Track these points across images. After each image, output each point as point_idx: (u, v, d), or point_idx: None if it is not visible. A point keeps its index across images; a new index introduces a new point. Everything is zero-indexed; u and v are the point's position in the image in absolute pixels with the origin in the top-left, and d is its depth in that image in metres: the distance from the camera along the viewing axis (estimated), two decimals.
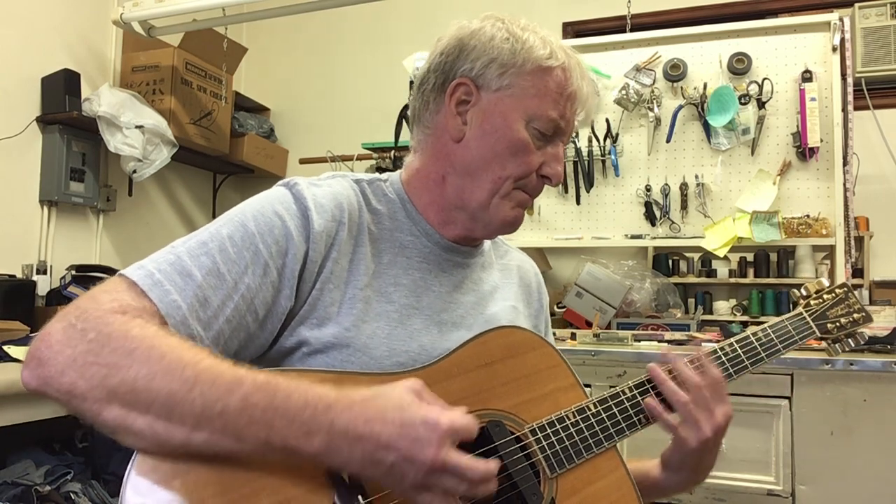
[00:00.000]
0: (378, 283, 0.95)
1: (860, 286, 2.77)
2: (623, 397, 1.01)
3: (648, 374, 1.04)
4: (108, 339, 0.73)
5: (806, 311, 1.19)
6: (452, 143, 0.99)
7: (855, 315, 1.21)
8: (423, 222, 1.02)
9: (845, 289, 1.23)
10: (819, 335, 1.18)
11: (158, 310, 0.78)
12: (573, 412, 0.97)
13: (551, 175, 0.99)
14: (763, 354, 1.11)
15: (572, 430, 0.95)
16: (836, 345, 1.21)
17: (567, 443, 0.94)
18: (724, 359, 1.09)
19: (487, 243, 1.13)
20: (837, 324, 1.19)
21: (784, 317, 1.17)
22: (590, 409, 0.98)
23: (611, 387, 1.02)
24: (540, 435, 0.93)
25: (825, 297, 1.22)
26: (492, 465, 0.77)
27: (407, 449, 0.72)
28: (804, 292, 1.22)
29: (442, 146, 1.00)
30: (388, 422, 0.73)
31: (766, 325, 1.15)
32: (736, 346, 1.11)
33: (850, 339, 1.21)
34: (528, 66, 0.96)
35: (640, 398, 1.02)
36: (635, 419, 1.00)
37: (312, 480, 0.77)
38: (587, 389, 1.03)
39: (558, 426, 0.95)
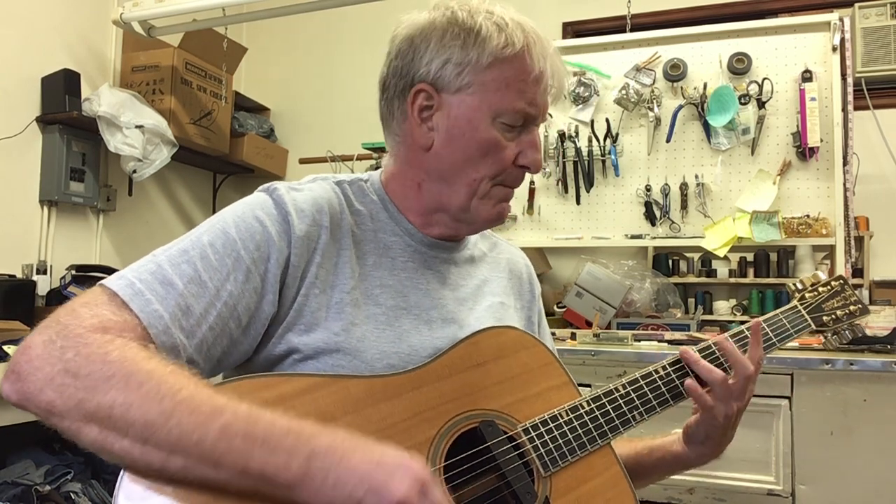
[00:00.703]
0: (364, 286, 0.94)
1: (860, 286, 2.77)
2: (617, 394, 1.01)
3: (680, 354, 1.05)
4: (86, 361, 0.72)
5: (801, 305, 1.18)
6: (422, 151, 0.97)
7: (851, 307, 1.20)
8: (404, 222, 1.01)
9: (841, 281, 1.22)
10: (815, 328, 1.17)
11: (140, 321, 0.77)
12: (566, 410, 0.97)
13: (529, 164, 0.97)
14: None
15: (565, 428, 0.95)
16: (833, 337, 1.20)
17: (560, 441, 0.94)
18: (717, 354, 1.08)
19: (475, 236, 1.12)
20: (833, 316, 1.18)
21: (779, 310, 1.16)
22: (583, 407, 0.98)
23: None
24: (533, 434, 0.93)
25: (821, 289, 1.21)
26: None
27: (378, 483, 0.70)
28: (800, 285, 1.21)
29: (413, 155, 0.98)
30: (365, 456, 0.72)
31: (760, 318, 1.14)
32: (731, 341, 1.10)
33: (846, 332, 1.20)
34: (485, 59, 0.92)
35: (633, 395, 1.02)
36: (629, 416, 1.00)
37: None
38: (586, 389, 1.03)
39: (551, 425, 0.94)
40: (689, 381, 1.03)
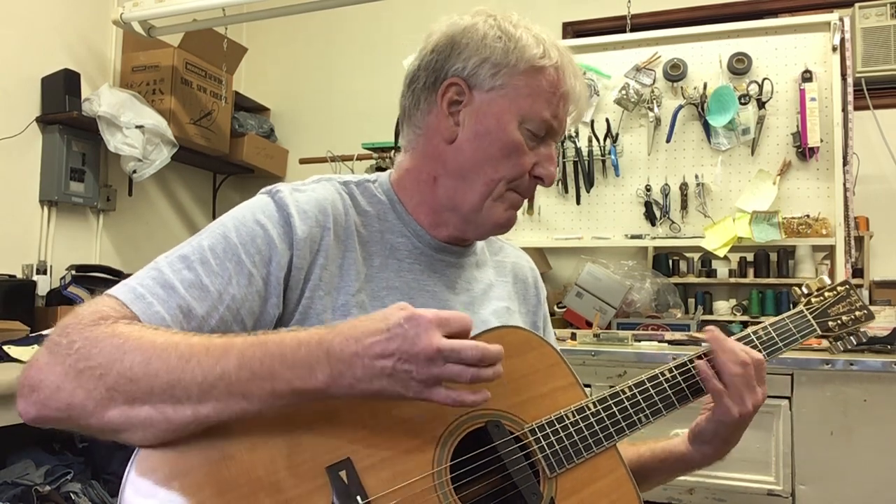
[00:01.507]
0: (371, 287, 0.95)
1: (860, 286, 2.77)
2: (623, 396, 1.01)
3: (709, 343, 1.05)
4: (95, 342, 0.74)
5: (807, 309, 1.18)
6: (445, 144, 0.98)
7: (857, 313, 1.20)
8: (413, 223, 1.01)
9: (847, 286, 1.22)
10: (820, 333, 1.17)
11: (141, 322, 0.79)
12: (572, 411, 0.97)
13: (544, 176, 0.98)
14: (764, 353, 1.10)
15: (572, 429, 0.95)
16: (838, 342, 1.20)
17: (566, 442, 0.94)
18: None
19: (480, 241, 1.12)
20: (839, 321, 1.19)
21: (785, 315, 1.17)
22: (589, 409, 0.98)
23: (610, 387, 1.02)
24: (539, 435, 0.93)
25: (826, 294, 1.21)
26: (491, 346, 0.79)
27: (398, 348, 0.74)
28: (805, 290, 1.21)
29: (433, 147, 0.99)
30: (374, 332, 0.76)
31: (766, 323, 1.14)
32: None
33: (851, 337, 1.20)
34: (522, 65, 0.94)
35: (639, 397, 1.02)
36: (635, 418, 1.00)
37: (312, 481, 0.77)
38: (587, 389, 1.03)
39: (557, 426, 0.94)
40: (701, 363, 1.04)
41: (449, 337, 0.77)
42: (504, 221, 1.00)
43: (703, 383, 1.03)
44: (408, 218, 1.01)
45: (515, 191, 0.99)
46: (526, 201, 3.22)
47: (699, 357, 1.05)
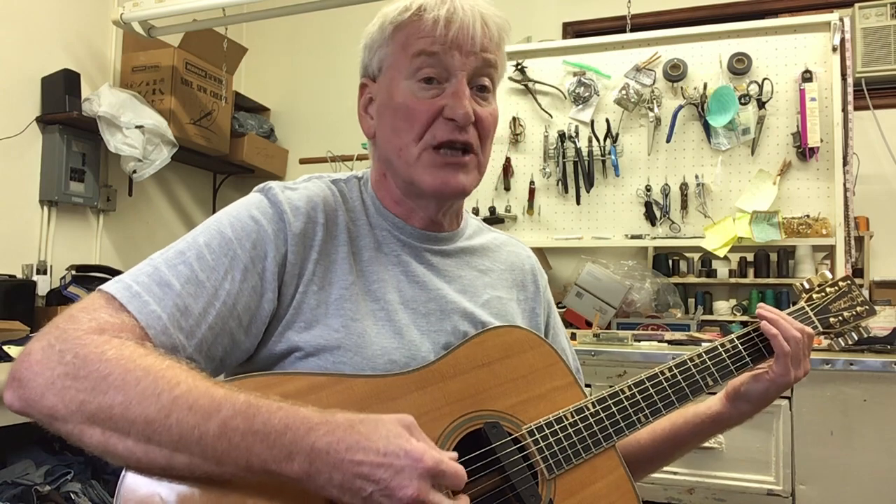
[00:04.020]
0: (362, 282, 0.95)
1: (860, 286, 2.77)
2: (622, 396, 1.01)
3: (759, 313, 1.09)
4: (83, 363, 0.72)
5: (808, 306, 1.17)
6: (373, 143, 1.01)
7: (858, 308, 1.18)
8: (391, 216, 1.02)
9: (848, 282, 1.20)
10: (821, 330, 1.16)
11: (138, 322, 0.78)
12: (571, 412, 0.96)
13: (453, 115, 0.92)
14: (765, 352, 1.09)
15: (570, 430, 0.95)
16: (839, 339, 1.19)
17: (565, 443, 0.94)
18: (724, 356, 1.08)
19: (471, 229, 1.12)
20: (840, 318, 1.17)
21: (786, 311, 1.15)
22: (588, 409, 0.98)
23: (610, 387, 1.02)
24: (538, 436, 0.92)
25: (828, 290, 1.19)
26: None
27: (386, 482, 0.70)
28: (807, 286, 1.19)
29: (372, 149, 1.03)
30: (370, 450, 0.71)
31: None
32: (737, 342, 1.10)
33: (853, 333, 1.18)
34: (388, 31, 0.96)
35: (639, 396, 1.02)
36: (634, 418, 1.00)
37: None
38: (587, 390, 1.03)
39: (556, 427, 0.94)
40: (764, 323, 1.08)
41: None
42: (439, 185, 0.94)
43: (772, 341, 1.06)
44: (386, 212, 1.02)
45: (434, 147, 0.94)
46: (526, 201, 3.21)
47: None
